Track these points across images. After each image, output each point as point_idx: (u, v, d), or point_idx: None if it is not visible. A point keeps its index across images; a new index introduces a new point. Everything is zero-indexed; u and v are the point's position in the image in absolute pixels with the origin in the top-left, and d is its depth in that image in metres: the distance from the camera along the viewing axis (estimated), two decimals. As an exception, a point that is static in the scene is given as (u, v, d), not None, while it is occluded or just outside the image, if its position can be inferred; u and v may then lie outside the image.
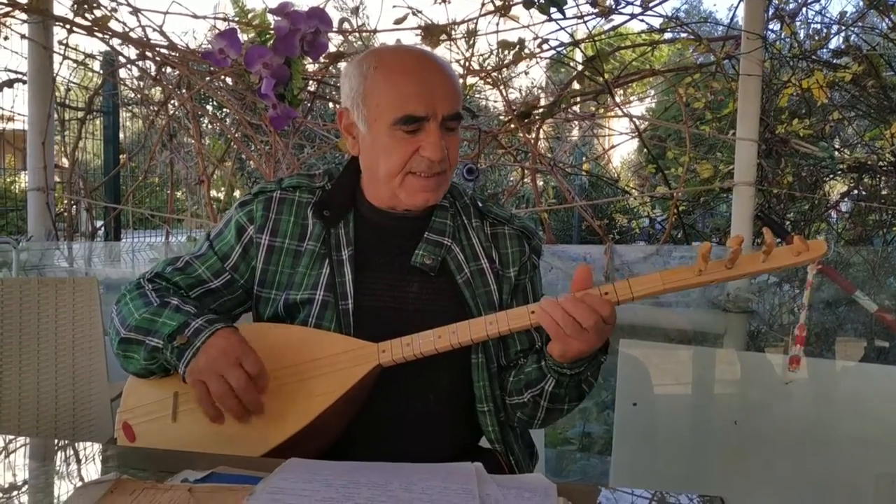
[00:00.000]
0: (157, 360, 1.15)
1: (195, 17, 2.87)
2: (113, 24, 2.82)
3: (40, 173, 3.03)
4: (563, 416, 1.24)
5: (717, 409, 1.72)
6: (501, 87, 3.22)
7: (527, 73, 4.17)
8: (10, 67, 3.26)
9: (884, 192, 4.01)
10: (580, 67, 3.12)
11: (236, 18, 3.57)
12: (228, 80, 3.13)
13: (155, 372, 1.18)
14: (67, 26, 2.84)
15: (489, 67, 3.25)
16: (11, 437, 1.10)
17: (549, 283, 1.51)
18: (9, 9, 2.84)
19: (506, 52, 2.90)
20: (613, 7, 3.03)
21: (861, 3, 3.85)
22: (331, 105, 3.73)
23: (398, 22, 2.72)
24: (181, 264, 1.27)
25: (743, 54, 2.63)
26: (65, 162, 3.77)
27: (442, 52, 2.87)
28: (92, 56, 3.71)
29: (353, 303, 1.18)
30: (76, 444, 1.16)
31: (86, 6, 2.71)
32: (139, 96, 3.87)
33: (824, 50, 3.86)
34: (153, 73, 3.27)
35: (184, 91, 3.20)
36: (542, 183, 5.69)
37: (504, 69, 3.27)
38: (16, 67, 3.23)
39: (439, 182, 1.20)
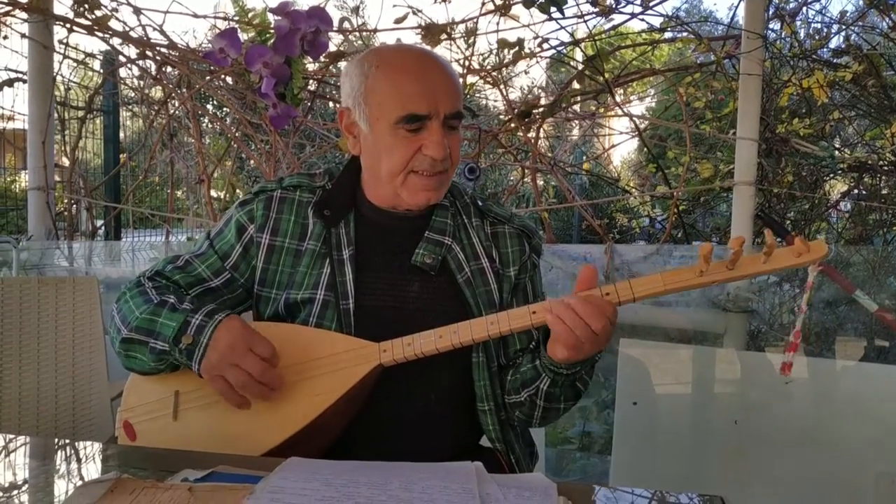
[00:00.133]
0: (167, 361, 1.15)
1: (195, 16, 2.87)
2: (113, 24, 2.82)
3: (40, 172, 3.02)
4: (560, 414, 1.24)
5: (717, 408, 1.72)
6: (502, 87, 3.22)
7: (527, 73, 4.18)
8: (11, 66, 3.26)
9: (884, 192, 4.01)
10: (580, 67, 3.12)
11: (236, 18, 3.58)
12: (229, 79, 3.13)
13: (163, 370, 1.19)
14: (68, 25, 2.84)
15: (489, 67, 3.25)
16: (11, 436, 1.10)
17: (549, 283, 1.51)
18: (9, 8, 2.83)
19: (506, 51, 2.90)
20: (613, 6, 3.03)
21: (861, 3, 3.85)
22: (331, 104, 3.73)
23: (398, 21, 2.72)
24: (181, 263, 1.27)
25: (743, 54, 2.63)
26: (65, 161, 3.76)
27: (442, 51, 2.87)
28: (92, 55, 3.71)
29: (353, 302, 1.18)
30: (76, 444, 1.16)
31: (86, 5, 2.71)
32: (139, 95, 3.86)
33: (825, 49, 3.86)
34: (153, 73, 3.27)
35: (184, 90, 3.20)
36: (542, 182, 5.70)
37: (504, 68, 3.27)
38: (16, 66, 3.24)
39: (441, 181, 1.20)
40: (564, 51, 3.54)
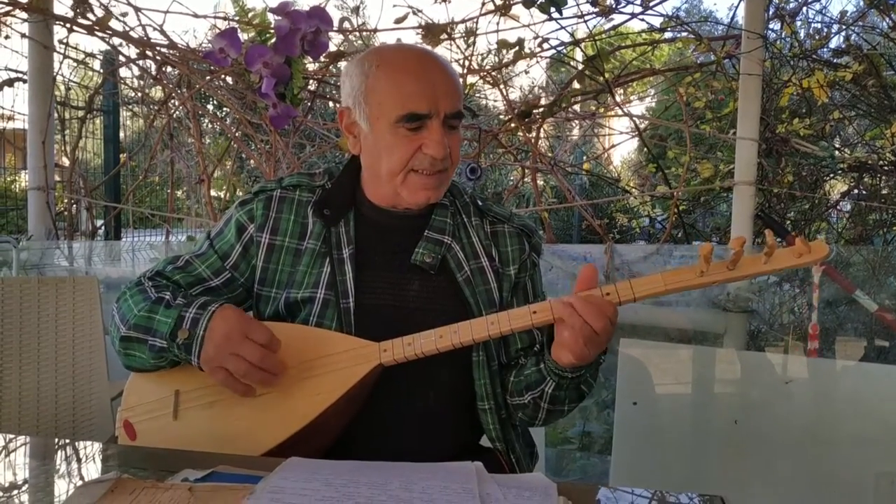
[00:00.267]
0: (166, 358, 1.16)
1: (195, 16, 2.87)
2: (113, 24, 2.82)
3: (40, 172, 3.02)
4: (564, 415, 1.24)
5: (717, 408, 1.72)
6: (502, 87, 3.22)
7: (527, 73, 4.18)
8: (11, 66, 3.26)
9: (884, 192, 4.01)
10: (580, 67, 3.12)
11: (237, 18, 3.58)
12: (229, 79, 3.13)
13: (164, 367, 1.19)
14: (68, 25, 2.84)
15: (489, 67, 3.25)
16: (12, 436, 1.10)
17: (549, 283, 1.51)
18: (9, 8, 2.83)
19: (505, 51, 2.90)
20: (613, 6, 3.03)
21: (861, 3, 3.85)
22: (331, 104, 3.73)
23: (398, 21, 2.72)
24: (181, 263, 1.27)
25: (743, 54, 2.63)
26: (65, 161, 3.76)
27: (442, 51, 2.87)
28: (92, 55, 3.71)
29: (353, 301, 1.18)
30: (76, 444, 1.16)
31: (87, 5, 2.71)
32: (139, 95, 3.87)
33: (825, 49, 3.86)
34: (153, 73, 3.27)
35: (184, 90, 3.20)
36: (542, 182, 5.70)
37: (504, 68, 3.27)
38: (16, 66, 3.24)
39: (441, 180, 1.20)
40: (564, 51, 3.54)
